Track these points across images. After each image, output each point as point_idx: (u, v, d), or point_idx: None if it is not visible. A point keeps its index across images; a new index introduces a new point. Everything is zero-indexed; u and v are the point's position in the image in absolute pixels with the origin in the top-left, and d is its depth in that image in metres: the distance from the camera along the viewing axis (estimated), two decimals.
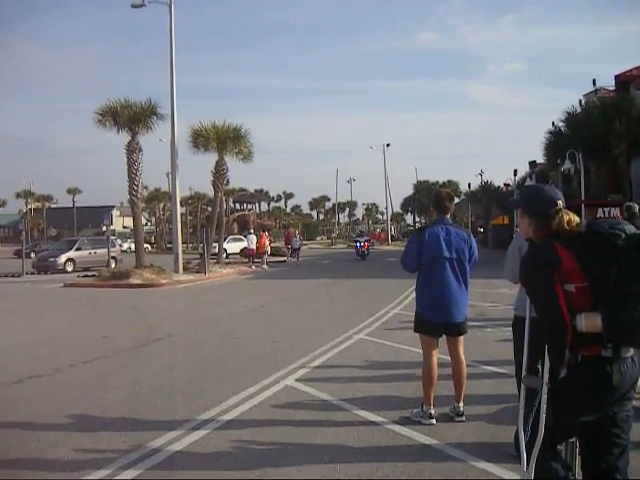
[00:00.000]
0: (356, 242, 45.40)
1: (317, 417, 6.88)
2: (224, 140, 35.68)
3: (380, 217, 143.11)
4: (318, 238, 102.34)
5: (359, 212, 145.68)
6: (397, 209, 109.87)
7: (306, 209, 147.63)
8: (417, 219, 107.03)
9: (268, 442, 6.11)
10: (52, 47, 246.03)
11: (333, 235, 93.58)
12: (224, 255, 40.63)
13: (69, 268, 36.54)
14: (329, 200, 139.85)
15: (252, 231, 40.87)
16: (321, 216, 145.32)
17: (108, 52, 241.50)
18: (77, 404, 7.72)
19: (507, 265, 5.38)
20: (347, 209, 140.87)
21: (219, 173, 36.20)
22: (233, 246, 49.20)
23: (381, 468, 5.35)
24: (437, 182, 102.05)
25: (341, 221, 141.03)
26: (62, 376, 9.44)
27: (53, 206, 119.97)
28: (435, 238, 6.52)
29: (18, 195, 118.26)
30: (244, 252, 42.60)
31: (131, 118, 29.87)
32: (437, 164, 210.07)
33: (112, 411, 7.30)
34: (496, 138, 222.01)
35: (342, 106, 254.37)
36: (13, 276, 33.64)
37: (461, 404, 6.65)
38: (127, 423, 6.81)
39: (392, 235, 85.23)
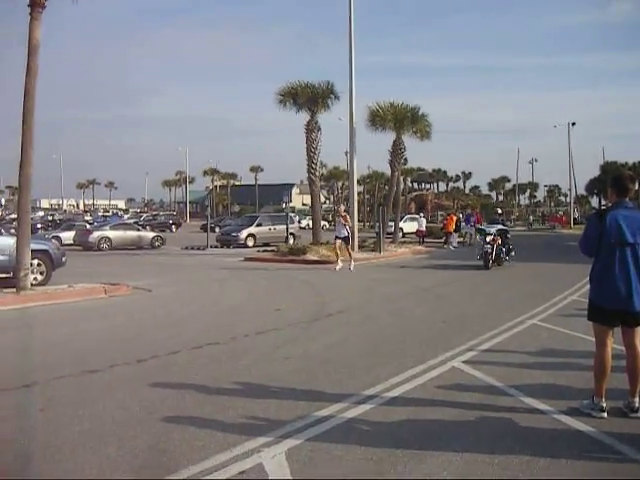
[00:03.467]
0: (480, 232, 26.29)
1: (481, 401, 6.75)
2: (401, 119, 35.64)
3: (563, 199, 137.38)
4: None
5: (540, 194, 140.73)
6: (581, 191, 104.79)
7: (485, 190, 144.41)
8: (603, 202, 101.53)
9: (429, 422, 6.08)
10: (241, 32, 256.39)
11: (512, 217, 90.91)
12: (400, 234, 40.70)
13: (250, 243, 38.05)
14: (509, 181, 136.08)
15: (422, 214, 41.97)
16: (500, 197, 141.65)
17: (289, 35, 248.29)
18: (249, 372, 8.07)
19: None
20: (528, 191, 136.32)
21: (396, 152, 36.24)
22: (409, 225, 49.08)
23: (543, 461, 5.14)
24: (626, 163, 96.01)
25: (521, 203, 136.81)
26: (237, 345, 9.92)
27: (237, 183, 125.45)
28: (617, 222, 6.12)
29: (205, 173, 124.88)
30: (417, 233, 42.54)
31: (310, 98, 30.60)
32: (628, 144, 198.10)
33: (280, 381, 7.57)
34: None
35: (521, 83, 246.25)
36: (199, 249, 35.63)
37: (636, 399, 6.24)
38: (293, 393, 7.03)
39: (574, 218, 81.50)
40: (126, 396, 7.02)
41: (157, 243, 38.01)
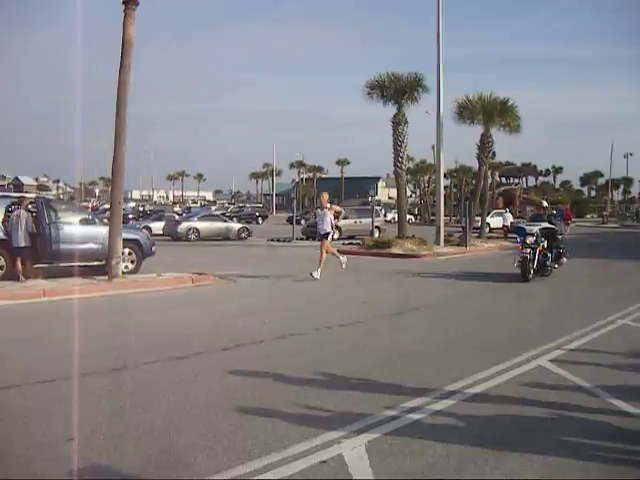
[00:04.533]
0: (518, 231, 18.75)
1: (567, 401, 6.58)
2: (490, 112, 35.00)
3: None
4: (588, 216, 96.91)
5: (635, 190, 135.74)
6: None
7: (576, 185, 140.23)
8: None
9: (512, 420, 5.98)
10: (330, 25, 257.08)
11: (604, 213, 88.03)
12: (487, 229, 40.05)
13: (335, 236, 38.06)
14: (602, 176, 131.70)
15: (507, 210, 41.39)
16: (592, 193, 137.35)
17: (377, 26, 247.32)
18: (331, 363, 8.11)
19: None
20: (622, 186, 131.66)
21: (484, 146, 35.64)
22: (496, 221, 48.19)
23: (630, 466, 4.98)
24: None
25: (615, 199, 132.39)
26: (320, 336, 10.00)
27: (323, 176, 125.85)
28: None
29: (292, 165, 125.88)
30: (503, 228, 41.77)
31: (397, 91, 30.37)
32: None
33: (363, 373, 7.58)
34: None
35: (615, 75, 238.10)
36: (284, 241, 35.96)
37: None
38: (375, 386, 7.04)
39: None
40: (211, 383, 7.18)
41: (243, 235, 38.54)
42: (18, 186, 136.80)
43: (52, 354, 8.69)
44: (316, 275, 17.13)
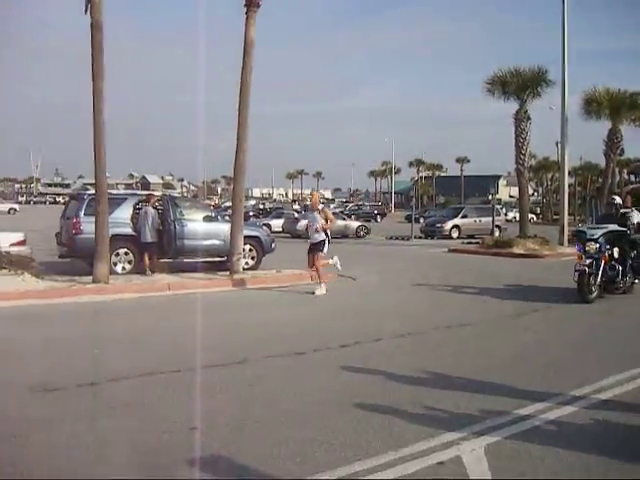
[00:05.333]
0: (579, 236, 14.60)
1: None
2: (618, 107, 33.49)
3: None
4: None
5: None
6: None
7: None
8: None
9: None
10: (449, 21, 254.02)
11: None
12: None
13: (454, 234, 37.65)
14: None
15: (634, 209, 39.15)
16: None
17: (497, 20, 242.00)
18: (450, 364, 8.00)
19: None
20: None
21: (612, 142, 34.13)
22: None
23: None
24: None
25: None
26: (439, 335, 9.94)
27: (442, 174, 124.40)
28: None
29: (411, 163, 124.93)
30: None
31: (519, 86, 29.54)
32: None
33: (482, 374, 7.43)
34: None
35: None
36: (402, 239, 35.81)
37: None
38: (495, 388, 6.88)
39: None
40: (328, 379, 7.24)
41: (362, 232, 38.65)
42: (145, 185, 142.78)
43: (177, 346, 9.00)
44: (319, 292, 14.22)
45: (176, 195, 20.06)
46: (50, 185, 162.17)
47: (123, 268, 16.31)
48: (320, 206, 15.75)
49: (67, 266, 17.07)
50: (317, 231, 14.88)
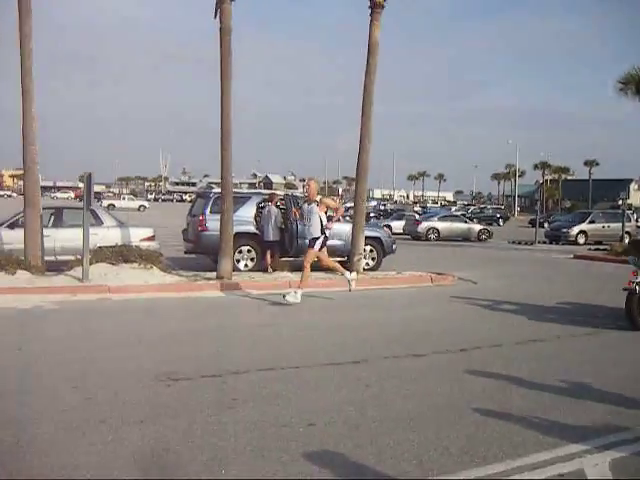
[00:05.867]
0: (635, 245, 15.46)
1: None
2: None
3: None
4: None
5: None
6: None
7: None
8: None
9: None
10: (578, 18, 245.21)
11: None
12: None
13: (580, 240, 36.35)
14: None
15: None
16: None
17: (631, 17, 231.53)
18: (575, 372, 7.73)
19: None
20: None
21: None
22: None
23: None
24: None
25: None
26: (560, 344, 9.62)
27: (569, 178, 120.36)
28: None
29: (535, 166, 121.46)
30: None
31: None
32: None
33: (609, 385, 7.12)
34: None
35: None
36: (526, 244, 34.91)
37: None
38: (621, 400, 6.58)
39: None
40: (446, 383, 7.17)
41: (483, 236, 37.99)
42: (267, 184, 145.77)
43: (296, 343, 9.17)
44: (291, 298, 12.21)
45: (298, 195, 20.31)
46: (177, 184, 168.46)
47: (245, 265, 16.73)
48: (318, 197, 13.40)
49: (192, 262, 17.72)
50: (327, 228, 13.14)
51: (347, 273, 13.38)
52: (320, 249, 13.04)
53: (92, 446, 5.07)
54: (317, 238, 12.91)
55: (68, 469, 4.64)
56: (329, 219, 13.33)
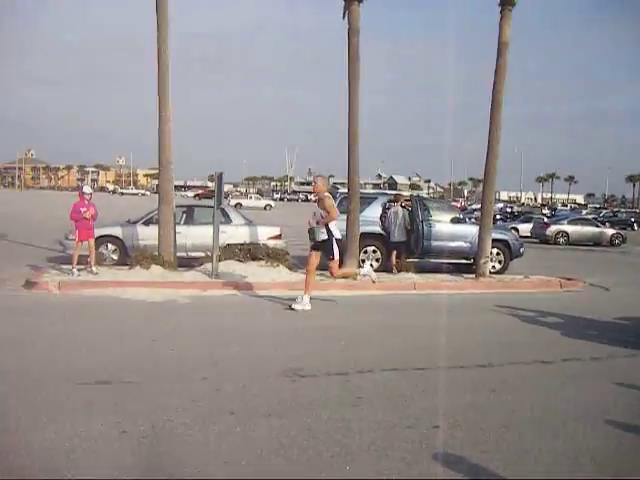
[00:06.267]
0: None
1: None
2: None
3: None
4: None
5: None
6: None
7: None
8: None
9: None
10: None
11: None
12: None
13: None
14: None
15: None
16: None
17: None
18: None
19: None
20: None
21: None
22: None
23: None
24: None
25: None
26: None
27: None
28: None
29: None
30: None
31: None
32: None
33: None
34: None
35: None
36: None
37: None
38: None
39: None
40: (576, 391, 6.94)
41: (617, 241, 36.49)
42: (392, 185, 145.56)
43: (419, 344, 9.11)
44: (298, 307, 11.35)
45: (424, 196, 20.22)
46: (302, 184, 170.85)
47: (370, 265, 16.76)
48: (323, 194, 11.86)
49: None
50: (318, 223, 11.64)
51: (305, 297, 11.49)
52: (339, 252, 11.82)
53: (222, 436, 5.24)
54: (329, 242, 11.51)
55: (208, 456, 4.83)
56: (317, 222, 11.63)
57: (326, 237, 11.48)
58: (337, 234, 11.67)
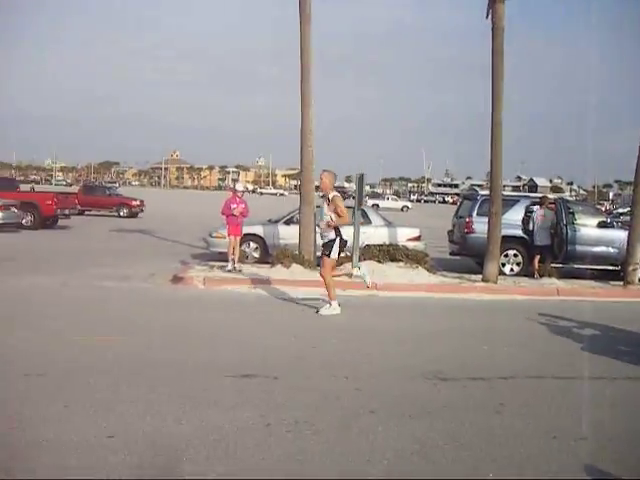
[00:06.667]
0: None
1: None
2: None
3: None
4: None
5: None
6: None
7: None
8: None
9: None
10: None
11: None
12: None
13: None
14: None
15: None
16: None
17: None
18: None
19: None
20: None
21: None
22: None
23: None
24: None
25: None
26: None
27: None
28: None
29: None
30: None
31: None
32: None
33: None
34: None
35: None
36: None
37: None
38: None
39: None
40: None
41: None
42: (532, 187, 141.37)
43: (564, 350, 8.80)
44: (325, 311, 10.77)
45: (569, 199, 19.54)
46: (440, 185, 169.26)
47: (511, 269, 16.42)
48: (332, 194, 10.97)
49: (456, 263, 17.71)
50: (329, 226, 10.82)
51: (332, 303, 10.87)
52: (338, 255, 11.07)
53: (362, 434, 5.31)
54: (333, 242, 10.86)
55: (350, 455, 4.92)
56: (328, 225, 10.83)
57: (334, 237, 10.80)
58: (344, 235, 11.06)
